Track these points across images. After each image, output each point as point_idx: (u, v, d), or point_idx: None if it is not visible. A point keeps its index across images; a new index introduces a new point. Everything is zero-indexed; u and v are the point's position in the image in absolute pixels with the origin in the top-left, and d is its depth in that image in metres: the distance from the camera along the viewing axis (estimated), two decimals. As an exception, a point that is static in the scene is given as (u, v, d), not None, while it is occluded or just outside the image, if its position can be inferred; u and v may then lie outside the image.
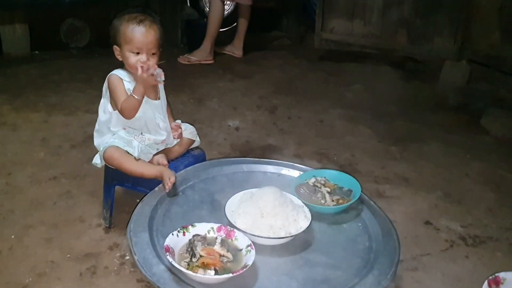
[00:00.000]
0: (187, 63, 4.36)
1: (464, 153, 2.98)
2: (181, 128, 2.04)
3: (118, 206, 2.16)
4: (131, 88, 1.85)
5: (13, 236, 2.02)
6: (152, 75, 1.79)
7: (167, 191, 1.73)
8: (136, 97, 1.81)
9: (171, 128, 2.02)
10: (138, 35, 1.81)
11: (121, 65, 1.93)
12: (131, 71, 1.88)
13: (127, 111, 1.84)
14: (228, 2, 4.88)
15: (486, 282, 1.47)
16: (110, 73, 1.89)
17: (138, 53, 1.83)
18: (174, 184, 1.75)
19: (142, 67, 1.78)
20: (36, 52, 4.26)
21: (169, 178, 1.73)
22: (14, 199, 2.27)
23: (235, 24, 5.15)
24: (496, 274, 1.48)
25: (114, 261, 1.91)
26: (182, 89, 3.68)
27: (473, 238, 2.20)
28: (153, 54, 1.86)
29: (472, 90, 3.92)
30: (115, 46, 1.88)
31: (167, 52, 4.52)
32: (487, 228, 2.28)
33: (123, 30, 1.82)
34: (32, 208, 2.21)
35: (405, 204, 2.42)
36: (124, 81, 1.86)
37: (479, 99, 3.76)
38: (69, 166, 2.56)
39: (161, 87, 2.00)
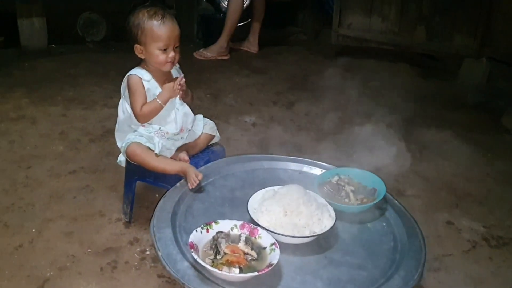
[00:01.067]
0: (203, 58, 4.34)
1: (485, 152, 2.94)
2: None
3: (138, 201, 2.16)
4: (150, 87, 1.84)
5: (33, 230, 2.02)
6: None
7: (193, 187, 1.72)
8: (160, 102, 1.82)
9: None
10: (166, 31, 1.80)
11: (138, 61, 1.92)
12: (155, 67, 1.87)
13: (147, 116, 1.86)
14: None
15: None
16: (129, 73, 1.87)
17: (165, 50, 1.82)
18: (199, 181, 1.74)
19: (180, 85, 1.84)
20: (53, 45, 4.26)
21: (197, 176, 1.72)
22: (34, 192, 2.28)
23: (250, 19, 5.14)
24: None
25: (135, 256, 1.91)
26: (198, 84, 3.67)
27: (496, 239, 2.16)
28: (176, 48, 1.85)
29: (492, 89, 3.86)
30: (137, 45, 1.84)
31: (183, 47, 4.50)
32: (510, 229, 2.24)
33: (148, 28, 1.79)
34: (52, 201, 2.22)
35: (426, 203, 2.39)
36: (143, 80, 1.85)
37: (499, 98, 3.70)
38: (88, 160, 2.56)
39: (178, 75, 1.98)
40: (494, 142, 3.09)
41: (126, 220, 2.09)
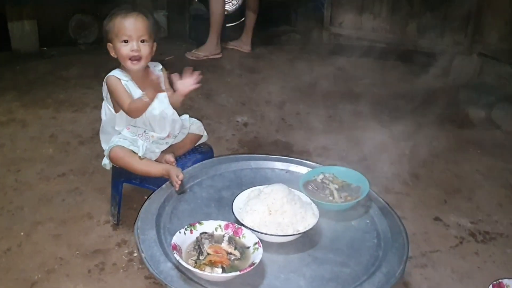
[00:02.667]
0: (195, 59, 4.35)
1: (475, 148, 2.96)
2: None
3: (126, 203, 2.17)
4: (129, 86, 1.85)
5: (22, 233, 2.03)
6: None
7: (176, 189, 1.72)
8: (146, 99, 1.81)
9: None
10: (125, 23, 1.81)
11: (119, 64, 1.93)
12: (124, 64, 1.87)
13: (135, 112, 1.85)
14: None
15: (490, 287, 1.46)
16: (107, 75, 1.88)
17: (126, 42, 1.82)
18: (182, 181, 1.74)
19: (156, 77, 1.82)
20: (45, 48, 4.26)
21: (177, 176, 1.73)
22: (23, 195, 2.29)
23: (243, 19, 5.15)
24: (500, 280, 1.47)
25: (122, 258, 1.92)
26: (190, 84, 3.67)
27: (483, 235, 2.18)
28: (143, 41, 1.83)
29: (483, 84, 3.88)
30: (108, 44, 1.87)
31: (175, 48, 4.53)
32: (497, 224, 2.26)
33: (111, 24, 1.82)
34: (41, 204, 2.23)
35: (414, 200, 2.41)
36: (121, 81, 1.85)
37: (490, 93, 3.71)
38: (77, 162, 2.57)
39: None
40: (484, 138, 3.10)
41: (114, 222, 2.10)
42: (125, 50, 1.82)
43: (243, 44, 4.66)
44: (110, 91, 1.88)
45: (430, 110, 3.54)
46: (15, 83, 3.52)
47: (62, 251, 1.94)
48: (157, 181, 1.82)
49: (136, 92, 1.88)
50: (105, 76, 1.90)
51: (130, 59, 1.83)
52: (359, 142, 2.98)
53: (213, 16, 4.36)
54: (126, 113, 1.86)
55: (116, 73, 1.88)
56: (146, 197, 2.16)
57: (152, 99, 1.82)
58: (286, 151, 2.82)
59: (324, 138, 3.03)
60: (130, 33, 1.81)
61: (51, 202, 2.24)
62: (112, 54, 1.88)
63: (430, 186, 2.53)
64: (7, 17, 3.98)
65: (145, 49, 1.84)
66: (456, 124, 3.30)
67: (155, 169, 1.84)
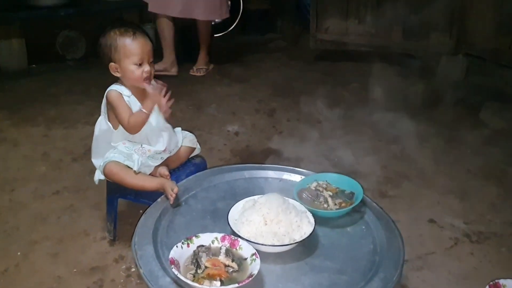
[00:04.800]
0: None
1: (465, 148, 2.99)
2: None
3: (122, 218, 2.17)
4: (131, 101, 1.86)
5: (19, 253, 2.03)
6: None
7: (171, 202, 1.73)
8: (146, 111, 1.82)
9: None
10: (138, 46, 1.82)
11: (115, 79, 1.93)
12: (133, 84, 1.88)
13: (136, 127, 1.86)
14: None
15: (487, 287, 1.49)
16: (108, 89, 1.88)
17: (140, 65, 1.84)
18: (176, 195, 1.75)
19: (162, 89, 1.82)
20: (34, 65, 4.25)
21: (172, 189, 1.74)
22: (18, 215, 2.28)
23: (230, 28, 5.19)
24: (496, 280, 1.49)
25: (120, 274, 1.93)
26: (180, 96, 3.68)
27: (477, 235, 2.20)
28: (151, 62, 1.88)
29: (470, 84, 3.93)
30: (111, 64, 1.86)
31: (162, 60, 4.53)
32: (490, 223, 2.29)
33: (121, 45, 1.82)
34: (37, 223, 2.23)
35: (408, 203, 2.43)
36: (123, 95, 1.86)
37: (477, 93, 3.76)
38: (71, 179, 2.57)
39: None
40: (474, 138, 3.13)
41: (111, 238, 2.10)
42: (139, 72, 1.84)
43: (172, 67, 4.18)
44: (113, 106, 1.87)
45: (419, 111, 3.58)
46: (4, 102, 3.51)
47: (60, 270, 1.94)
48: (152, 196, 1.83)
49: (137, 108, 1.89)
50: (99, 90, 1.90)
51: (144, 79, 1.86)
52: (350, 147, 3.01)
53: (163, 40, 4.16)
54: (126, 128, 1.87)
55: (117, 87, 1.89)
56: (141, 212, 2.17)
57: (150, 111, 1.84)
58: (278, 158, 2.83)
59: (316, 144, 3.04)
60: (143, 56, 1.83)
61: (47, 221, 2.24)
62: (116, 73, 1.88)
63: (422, 187, 2.56)
64: (-5, 36, 3.98)
65: (153, 69, 1.88)
66: (445, 125, 3.33)
67: (150, 184, 1.84)
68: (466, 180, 2.65)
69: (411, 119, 3.42)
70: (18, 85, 3.83)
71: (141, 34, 1.85)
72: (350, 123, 3.35)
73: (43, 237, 2.13)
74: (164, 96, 1.84)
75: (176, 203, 1.75)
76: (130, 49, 1.82)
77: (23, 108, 3.40)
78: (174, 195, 1.73)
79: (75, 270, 1.94)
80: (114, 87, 1.88)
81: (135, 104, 1.88)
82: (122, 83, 1.90)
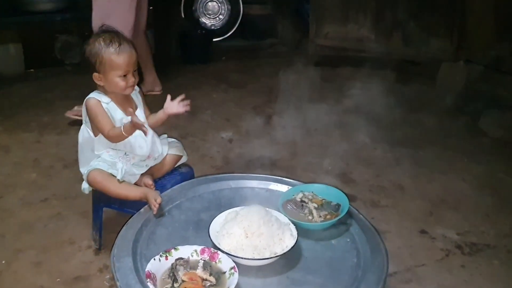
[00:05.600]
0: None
1: (461, 157, 2.95)
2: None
3: (109, 227, 2.14)
4: (109, 109, 1.83)
5: (3, 261, 2.01)
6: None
7: (154, 213, 1.70)
8: (125, 134, 1.80)
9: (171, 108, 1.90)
10: (124, 59, 1.80)
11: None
12: (117, 92, 1.86)
13: (115, 139, 1.84)
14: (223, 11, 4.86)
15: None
16: (87, 97, 1.86)
17: (125, 76, 1.82)
18: (160, 205, 1.72)
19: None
20: (31, 70, 4.25)
21: (155, 199, 1.71)
22: (4, 223, 2.26)
23: (231, 32, 5.18)
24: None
25: (104, 284, 1.90)
26: (175, 102, 3.66)
27: (469, 246, 2.16)
28: (134, 71, 1.86)
29: (470, 91, 3.87)
30: (95, 74, 1.84)
31: (162, 65, 4.52)
32: (484, 235, 2.24)
33: (107, 57, 1.79)
34: (23, 231, 2.21)
35: (400, 213, 2.39)
36: (102, 103, 1.84)
37: (477, 100, 3.71)
38: (60, 187, 2.55)
39: (135, 97, 1.97)
40: (471, 146, 3.10)
41: (96, 247, 2.08)
42: (123, 83, 1.82)
43: (150, 86, 3.89)
44: (90, 115, 1.86)
45: (417, 119, 3.54)
46: (-2, 107, 3.51)
47: (43, 279, 1.91)
48: (136, 205, 1.80)
49: (117, 113, 1.87)
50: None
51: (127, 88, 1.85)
52: (344, 155, 2.97)
53: (140, 59, 3.86)
54: (106, 137, 1.85)
55: (96, 95, 1.87)
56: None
57: (129, 135, 1.81)
58: (272, 166, 2.80)
59: (310, 152, 3.02)
60: (128, 68, 1.82)
61: (33, 229, 2.22)
62: (100, 82, 1.86)
63: (416, 197, 2.52)
64: (-9, 41, 3.99)
65: (136, 77, 1.87)
66: (443, 133, 3.29)
67: (134, 193, 1.82)
68: (461, 190, 2.60)
69: (409, 127, 3.39)
70: (14, 90, 3.83)
71: (126, 44, 1.83)
72: (346, 130, 3.31)
73: (28, 245, 2.10)
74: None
75: (160, 214, 1.72)
76: (116, 63, 1.80)
77: (16, 114, 3.39)
78: (157, 206, 1.70)
79: (58, 279, 1.91)
80: (93, 95, 1.86)
81: (114, 111, 1.86)
82: (102, 90, 1.87)
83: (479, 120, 3.44)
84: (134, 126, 1.78)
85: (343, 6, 4.44)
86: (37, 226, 2.24)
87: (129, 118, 1.86)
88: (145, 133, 1.80)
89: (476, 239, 2.20)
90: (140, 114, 1.94)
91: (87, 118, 1.89)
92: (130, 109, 1.79)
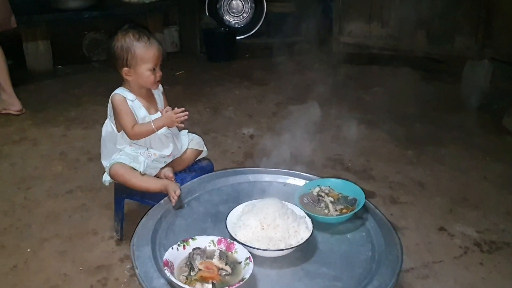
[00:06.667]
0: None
1: (484, 155, 2.92)
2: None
3: (131, 218, 2.20)
4: (134, 107, 1.88)
5: (29, 250, 2.08)
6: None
7: (173, 204, 1.75)
8: (154, 127, 1.86)
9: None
10: (154, 52, 1.85)
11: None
12: (145, 87, 1.92)
13: (139, 136, 1.90)
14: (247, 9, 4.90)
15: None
16: (113, 93, 1.92)
17: (153, 69, 1.87)
18: (179, 197, 1.77)
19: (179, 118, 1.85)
20: (60, 66, 4.36)
21: (174, 191, 1.75)
22: (31, 213, 2.34)
23: (255, 30, 5.21)
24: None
25: (125, 273, 1.95)
26: (198, 98, 3.73)
27: (488, 244, 2.14)
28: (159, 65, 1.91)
29: (494, 89, 3.82)
30: (124, 69, 1.87)
31: (186, 62, 4.60)
32: (504, 233, 2.22)
33: (138, 51, 1.83)
34: (48, 221, 2.28)
35: (419, 210, 2.38)
36: (127, 100, 1.89)
37: (502, 98, 3.66)
38: (85, 179, 2.62)
39: (158, 97, 2.02)
40: (494, 145, 3.06)
41: (118, 237, 2.13)
42: (153, 76, 1.88)
43: (7, 105, 3.42)
44: (115, 111, 1.91)
45: (440, 117, 3.52)
46: (28, 102, 3.60)
47: (67, 267, 1.98)
48: (156, 197, 1.85)
49: (140, 111, 1.92)
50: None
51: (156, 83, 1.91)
52: (365, 152, 2.98)
53: None
54: (128, 134, 1.90)
55: (122, 91, 1.92)
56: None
57: (158, 129, 1.88)
58: (292, 162, 2.80)
59: (331, 148, 3.03)
60: (157, 61, 1.87)
61: (58, 219, 2.29)
62: (129, 77, 1.90)
63: (436, 195, 2.51)
64: (22, 38, 4.09)
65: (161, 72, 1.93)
66: (466, 131, 3.25)
67: (154, 185, 1.87)
68: (482, 188, 2.58)
69: (431, 124, 3.37)
70: (43, 86, 3.94)
71: (153, 39, 1.88)
72: (368, 127, 3.32)
73: (53, 235, 2.18)
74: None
75: (178, 205, 1.76)
76: (146, 56, 1.84)
77: (45, 108, 3.49)
78: (176, 197, 1.74)
79: (81, 268, 1.98)
80: (119, 91, 1.91)
81: (138, 109, 1.91)
82: (127, 87, 1.92)
83: (503, 119, 3.39)
84: (164, 120, 1.85)
85: (367, 3, 4.43)
86: (62, 217, 2.31)
87: (152, 117, 1.93)
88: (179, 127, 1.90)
89: (496, 237, 2.18)
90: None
91: (111, 112, 1.94)
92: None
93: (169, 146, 1.97)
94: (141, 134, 1.89)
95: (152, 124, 1.87)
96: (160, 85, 2.00)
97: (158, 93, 2.02)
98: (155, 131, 1.88)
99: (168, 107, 1.90)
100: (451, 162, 2.84)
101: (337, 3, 4.53)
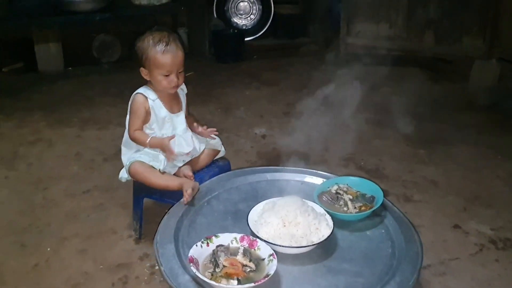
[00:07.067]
0: None
1: (495, 154, 2.94)
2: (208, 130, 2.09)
3: (148, 217, 2.23)
4: (154, 107, 1.92)
5: (49, 249, 2.11)
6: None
7: (184, 202, 1.77)
8: (148, 144, 1.91)
9: (202, 132, 2.07)
10: (168, 59, 1.86)
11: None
12: (163, 91, 1.94)
13: (135, 141, 1.95)
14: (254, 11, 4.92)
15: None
16: (136, 91, 1.95)
17: (167, 75, 1.89)
18: (194, 196, 1.79)
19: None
20: (70, 68, 4.40)
21: (188, 190, 1.78)
22: (50, 212, 2.37)
23: (262, 32, 5.24)
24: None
25: (145, 271, 1.98)
26: (209, 99, 3.76)
27: (503, 242, 2.17)
28: (180, 72, 1.92)
29: (503, 89, 3.84)
30: (142, 69, 1.92)
31: (195, 63, 4.62)
32: (518, 231, 2.24)
33: (152, 55, 1.86)
34: (67, 221, 2.31)
35: (433, 208, 2.41)
36: (149, 99, 1.92)
37: (510, 98, 3.68)
38: (101, 179, 2.65)
39: (182, 97, 2.05)
40: (505, 144, 3.08)
41: (136, 236, 2.16)
42: (165, 82, 1.90)
43: None
44: (130, 109, 1.95)
45: (450, 116, 3.54)
46: (41, 103, 3.65)
47: (88, 266, 2.01)
48: (175, 195, 1.87)
49: (161, 111, 1.95)
50: (132, 92, 1.97)
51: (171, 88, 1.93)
52: (377, 151, 3.00)
53: None
54: (129, 135, 1.96)
55: (145, 90, 1.95)
56: (167, 211, 2.24)
57: (151, 147, 1.93)
58: (305, 161, 2.83)
59: (343, 148, 3.04)
60: (171, 68, 1.88)
61: (77, 218, 2.33)
62: (146, 77, 1.94)
63: (449, 193, 2.53)
64: (34, 40, 4.13)
65: (181, 79, 1.94)
66: (476, 130, 3.28)
67: (173, 183, 1.89)
68: (495, 187, 2.60)
69: (441, 124, 3.39)
70: (55, 87, 3.97)
71: (173, 44, 1.88)
72: (378, 127, 3.34)
73: (73, 234, 2.21)
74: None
75: (191, 203, 1.78)
76: (159, 62, 1.87)
77: (58, 110, 3.52)
78: (188, 196, 1.77)
79: (101, 266, 2.01)
80: (142, 90, 1.94)
81: (159, 108, 1.94)
82: (151, 86, 1.95)
83: (513, 118, 3.42)
84: (162, 147, 1.89)
85: (375, 4, 4.44)
86: (80, 216, 2.34)
87: (174, 116, 1.96)
88: (168, 159, 1.93)
89: (511, 234, 2.21)
90: (182, 117, 2.03)
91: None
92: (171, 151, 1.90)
93: (189, 145, 2.00)
94: (137, 141, 1.95)
95: (148, 139, 1.91)
96: (184, 86, 2.03)
97: (183, 94, 2.05)
98: (147, 146, 1.93)
99: (202, 127, 2.01)
100: (462, 160, 2.86)
101: (344, 4, 4.55)
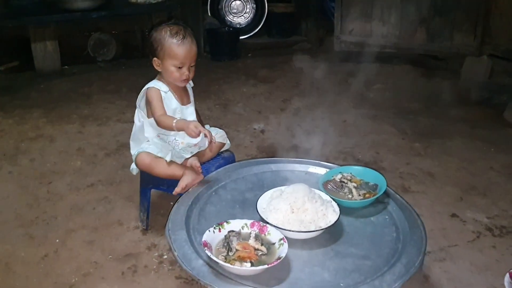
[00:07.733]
0: None
1: (488, 147, 3.02)
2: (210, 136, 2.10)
3: (154, 209, 2.27)
4: (166, 99, 1.96)
5: (57, 240, 2.15)
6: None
7: (174, 192, 1.86)
8: (174, 126, 1.89)
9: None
10: (183, 51, 1.90)
11: (149, 77, 2.03)
12: (170, 80, 1.98)
13: (160, 124, 1.95)
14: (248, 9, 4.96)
15: (507, 274, 1.53)
16: (148, 85, 1.98)
17: (180, 67, 1.93)
18: (186, 189, 1.86)
19: (206, 135, 1.85)
20: (66, 66, 4.41)
21: (181, 182, 1.86)
22: (55, 205, 2.40)
23: (256, 30, 5.29)
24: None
25: (153, 260, 2.02)
26: (208, 95, 3.80)
27: (499, 229, 2.24)
28: (191, 66, 1.96)
29: (494, 84, 3.94)
30: (155, 59, 1.95)
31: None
32: (513, 219, 2.32)
33: (167, 45, 1.90)
34: (73, 213, 2.34)
35: (431, 198, 2.48)
36: (161, 91, 1.96)
37: (501, 93, 3.77)
38: (104, 173, 2.68)
39: (190, 91, 2.10)
40: (497, 137, 3.16)
41: (144, 227, 2.20)
42: (178, 74, 1.94)
43: None
44: (149, 101, 1.97)
45: (443, 111, 3.61)
46: (40, 101, 3.66)
47: (96, 256, 2.04)
48: (183, 186, 1.92)
49: (172, 103, 1.99)
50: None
51: (181, 81, 1.97)
52: (374, 145, 3.07)
53: None
54: (156, 120, 1.96)
55: (156, 83, 1.98)
56: (172, 203, 2.28)
57: (177, 130, 1.92)
58: (303, 155, 2.89)
59: (340, 142, 3.11)
60: (185, 61, 1.92)
61: (83, 211, 2.36)
62: (157, 68, 1.97)
63: (446, 184, 2.60)
64: (31, 38, 4.14)
65: (192, 72, 1.98)
66: (470, 124, 3.36)
67: (179, 172, 1.93)
68: (490, 177, 2.68)
69: (435, 118, 3.47)
70: (53, 85, 3.98)
71: (189, 38, 1.93)
72: (373, 122, 3.41)
73: (79, 226, 2.24)
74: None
75: (179, 194, 1.84)
76: (174, 52, 1.90)
77: (58, 107, 3.54)
78: (180, 188, 1.85)
79: (110, 256, 2.04)
80: (154, 83, 1.98)
81: (170, 100, 1.98)
82: (161, 78, 1.99)
83: (504, 112, 3.50)
84: (186, 129, 1.87)
85: (368, 2, 4.53)
86: (86, 209, 2.37)
87: (184, 108, 2.01)
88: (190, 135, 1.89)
89: (506, 222, 2.28)
90: (192, 109, 2.07)
91: (141, 103, 2.01)
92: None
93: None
94: (162, 123, 1.94)
95: (174, 121, 1.90)
96: (191, 81, 2.07)
97: (190, 88, 2.10)
98: (173, 129, 1.92)
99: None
100: (457, 153, 2.94)
101: (338, 2, 4.62)
